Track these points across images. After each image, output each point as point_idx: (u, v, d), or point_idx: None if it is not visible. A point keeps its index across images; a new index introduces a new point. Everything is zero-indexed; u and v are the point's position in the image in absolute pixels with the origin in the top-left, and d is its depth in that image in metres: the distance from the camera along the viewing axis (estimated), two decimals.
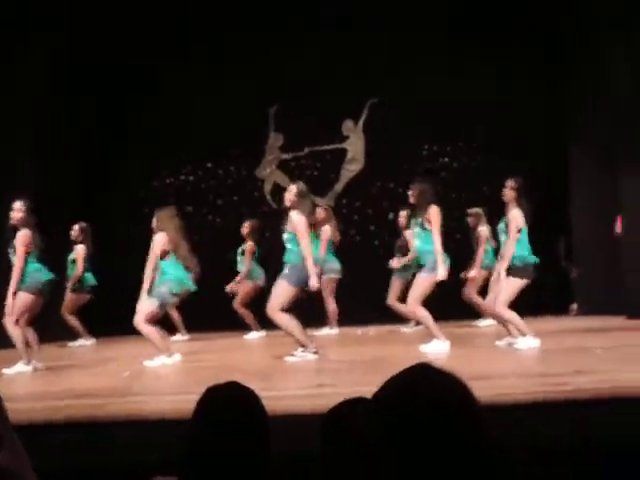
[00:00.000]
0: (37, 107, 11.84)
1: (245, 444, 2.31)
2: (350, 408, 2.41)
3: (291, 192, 8.23)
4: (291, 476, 3.10)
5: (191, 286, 8.72)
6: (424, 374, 1.61)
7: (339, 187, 13.99)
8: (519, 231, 8.16)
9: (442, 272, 8.20)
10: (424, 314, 8.32)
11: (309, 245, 7.99)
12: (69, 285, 11.56)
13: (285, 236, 8.18)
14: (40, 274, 8.24)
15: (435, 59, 12.93)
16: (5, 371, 8.00)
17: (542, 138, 12.96)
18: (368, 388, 5.63)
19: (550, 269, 11.46)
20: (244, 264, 11.68)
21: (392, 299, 11.12)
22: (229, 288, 11.73)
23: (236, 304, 11.65)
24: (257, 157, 14.10)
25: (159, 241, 8.42)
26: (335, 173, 14.02)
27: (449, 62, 12.93)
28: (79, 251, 11.52)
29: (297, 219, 8.02)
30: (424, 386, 1.57)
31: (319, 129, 13.68)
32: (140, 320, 8.19)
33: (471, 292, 11.18)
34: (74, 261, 11.57)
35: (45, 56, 11.88)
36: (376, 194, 13.70)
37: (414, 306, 8.37)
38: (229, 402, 2.37)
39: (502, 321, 8.40)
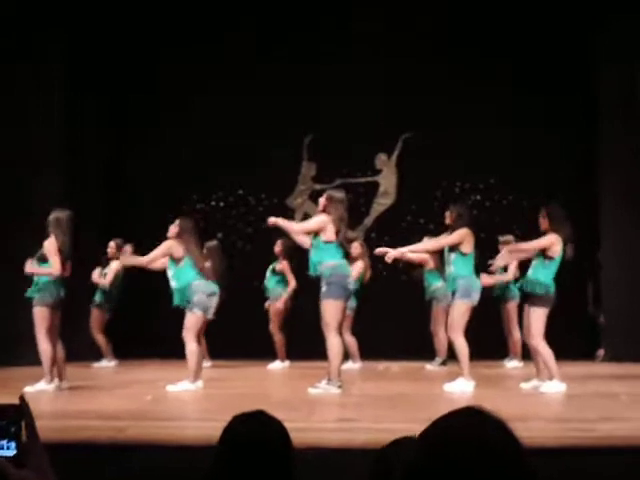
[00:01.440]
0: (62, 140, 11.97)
1: (270, 474, 2.30)
2: (398, 447, 2.40)
3: (324, 197, 8.19)
4: None
5: (216, 290, 8.74)
6: (475, 418, 1.56)
7: (369, 221, 13.99)
8: (552, 258, 8.04)
9: (476, 296, 8.17)
10: (463, 345, 8.22)
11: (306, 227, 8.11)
12: (95, 300, 11.56)
13: (313, 242, 8.11)
14: (59, 288, 8.24)
15: (470, 99, 12.96)
16: (27, 389, 8.02)
17: (573, 181, 12.92)
18: (390, 424, 5.65)
19: (578, 313, 11.40)
20: (290, 282, 11.53)
21: (436, 326, 11.10)
22: (267, 306, 11.61)
23: (273, 328, 11.56)
24: (289, 186, 14.13)
25: (166, 245, 8.48)
26: (366, 206, 14.02)
27: (483, 102, 12.96)
28: (112, 266, 11.56)
29: (314, 218, 8.03)
30: (474, 430, 1.52)
31: (352, 161, 13.72)
32: (188, 333, 8.18)
33: (511, 325, 11.10)
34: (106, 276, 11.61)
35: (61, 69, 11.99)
36: (406, 229, 13.67)
37: (456, 335, 8.27)
38: (256, 431, 2.35)
39: (535, 356, 8.24)
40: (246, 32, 13.32)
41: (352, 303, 11.25)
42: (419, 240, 12.79)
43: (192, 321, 8.24)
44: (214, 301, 8.54)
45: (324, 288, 7.92)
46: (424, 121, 13.21)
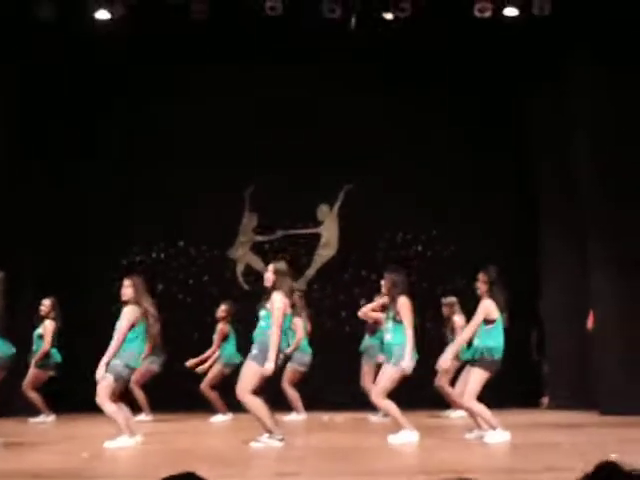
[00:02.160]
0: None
1: None
2: None
3: (270, 271, 8.12)
4: None
5: (137, 365, 8.52)
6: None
7: (311, 272, 13.93)
8: (492, 322, 8.08)
9: (408, 365, 8.10)
10: (390, 406, 8.19)
11: (279, 331, 7.85)
12: (35, 360, 11.30)
13: (262, 313, 7.99)
14: (2, 348, 8.07)
15: (408, 150, 13.09)
16: None
17: (514, 230, 13.07)
18: (332, 478, 5.52)
19: (521, 362, 11.43)
20: (214, 345, 11.45)
21: (365, 381, 10.99)
22: (189, 364, 11.43)
23: (203, 386, 11.41)
24: (230, 238, 14.03)
25: (131, 313, 8.19)
26: (308, 257, 13.98)
27: (423, 151, 13.10)
28: (47, 326, 11.30)
29: (276, 300, 7.89)
30: None
31: (294, 212, 13.70)
32: (102, 398, 7.96)
33: (443, 382, 11.04)
34: (41, 336, 11.35)
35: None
36: (348, 280, 13.65)
37: (379, 398, 8.25)
38: None
39: (471, 413, 8.26)
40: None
41: (306, 358, 11.18)
42: (361, 291, 12.91)
43: (103, 387, 8.00)
44: (126, 373, 8.23)
45: (255, 351, 7.83)
46: (366, 171, 13.26)
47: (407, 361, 8.09)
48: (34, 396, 11.37)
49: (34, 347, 11.39)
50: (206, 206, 13.23)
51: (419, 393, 10.53)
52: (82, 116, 13.38)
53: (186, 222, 13.46)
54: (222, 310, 11.57)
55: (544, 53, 12.11)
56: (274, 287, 8.01)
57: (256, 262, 13.57)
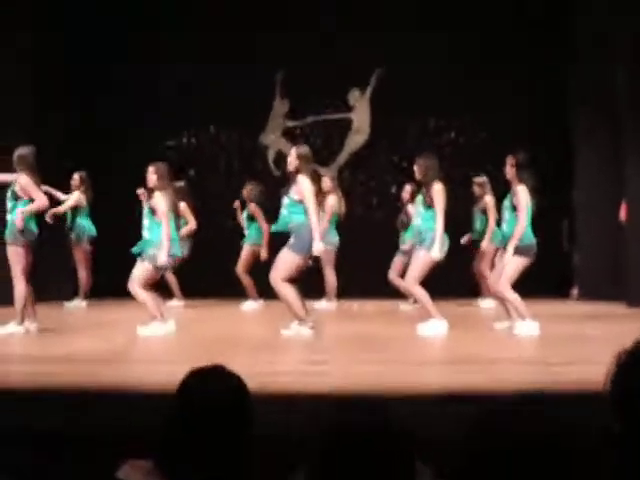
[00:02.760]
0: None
1: (226, 432, 2.22)
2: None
3: (293, 155, 8.04)
4: (277, 458, 3.01)
5: (180, 252, 8.60)
6: None
7: (342, 158, 13.84)
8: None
9: (437, 253, 8.04)
10: (421, 293, 8.17)
11: (316, 210, 7.80)
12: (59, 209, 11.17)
13: (286, 201, 7.91)
14: (32, 227, 8.10)
15: (442, 36, 12.76)
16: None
17: (549, 119, 12.83)
18: (360, 367, 5.58)
19: (552, 252, 11.37)
20: (260, 224, 11.38)
21: (393, 274, 11.01)
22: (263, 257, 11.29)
23: (239, 269, 11.46)
24: (261, 123, 13.92)
25: (165, 200, 8.19)
26: (339, 143, 13.86)
27: (457, 38, 12.77)
28: (74, 196, 11.31)
29: (305, 183, 7.81)
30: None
31: (325, 97, 13.51)
32: (135, 285, 8.06)
33: (483, 266, 11.04)
34: (73, 209, 11.41)
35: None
36: (380, 167, 13.56)
37: (411, 285, 8.23)
38: (212, 387, 2.26)
39: (503, 301, 8.23)
40: None
41: (334, 238, 11.17)
42: (393, 177, 12.83)
43: (141, 272, 8.07)
44: (169, 260, 8.29)
45: (292, 240, 7.81)
46: (398, 56, 12.99)
47: (437, 249, 8.05)
48: (83, 276, 11.51)
49: (68, 221, 11.47)
50: (237, 92, 13.06)
51: (446, 280, 10.55)
52: None
53: (217, 108, 13.32)
54: (247, 190, 11.55)
55: None
56: (298, 171, 7.92)
57: (287, 148, 13.44)
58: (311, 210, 7.73)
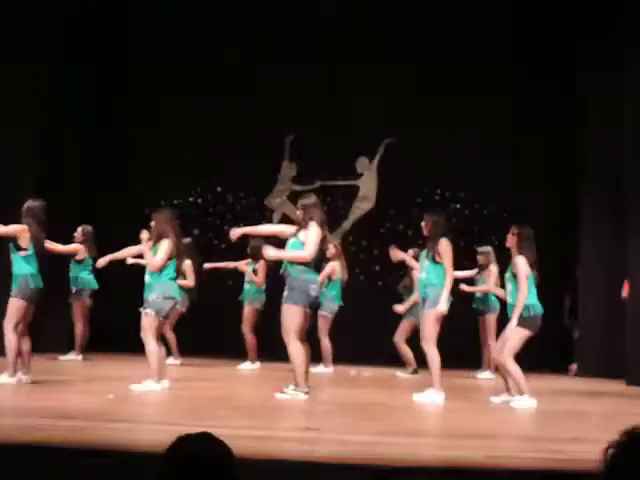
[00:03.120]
0: (37, 110, 11.67)
1: None
2: None
3: (299, 208, 7.97)
4: None
5: (178, 296, 8.54)
6: None
7: (348, 224, 13.86)
8: (526, 278, 7.91)
9: (443, 306, 7.99)
10: (435, 355, 8.06)
11: (309, 257, 7.73)
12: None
13: (290, 241, 7.88)
14: (36, 280, 8.08)
15: (450, 107, 12.86)
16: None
17: (555, 194, 12.86)
18: (353, 436, 5.49)
19: (553, 327, 11.30)
20: (256, 279, 11.38)
21: (398, 337, 10.95)
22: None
23: (245, 328, 11.38)
24: (268, 186, 13.96)
25: (165, 246, 8.14)
26: (345, 210, 13.89)
27: (466, 110, 12.87)
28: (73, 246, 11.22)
29: (313, 230, 7.76)
30: None
31: (333, 164, 13.58)
32: (147, 334, 7.96)
33: (487, 335, 11.03)
34: (77, 261, 11.35)
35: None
36: (384, 235, 13.55)
37: (428, 345, 8.11)
38: (198, 455, 2.24)
39: (503, 374, 8.12)
40: (220, 31, 13.16)
41: (333, 305, 11.14)
42: (397, 245, 12.82)
43: (147, 322, 8.04)
44: (168, 305, 8.24)
45: (286, 292, 7.76)
46: (408, 125, 13.08)
47: (444, 302, 7.99)
48: (80, 330, 11.42)
49: (71, 273, 11.40)
50: (245, 154, 13.14)
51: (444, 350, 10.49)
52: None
53: (224, 169, 13.39)
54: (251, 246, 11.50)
55: None
56: (305, 220, 7.86)
57: (293, 211, 13.42)
58: (308, 250, 7.65)
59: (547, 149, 13.01)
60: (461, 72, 12.93)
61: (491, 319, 11.06)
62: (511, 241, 8.03)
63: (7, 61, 11.11)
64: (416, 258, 9.94)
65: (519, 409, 7.58)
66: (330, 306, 11.15)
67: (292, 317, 7.68)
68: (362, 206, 13.89)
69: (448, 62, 12.92)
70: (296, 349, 7.68)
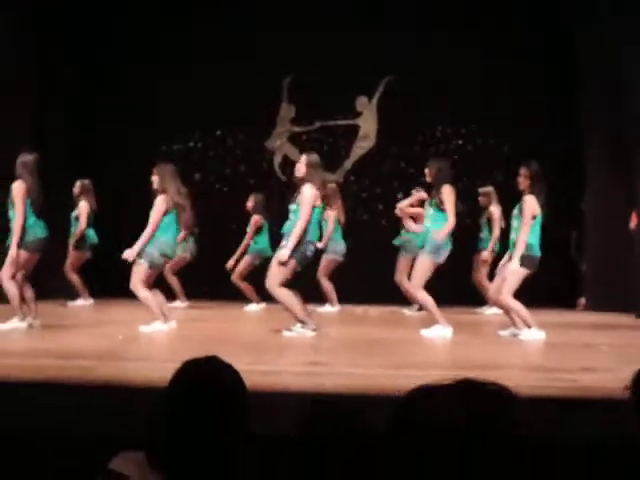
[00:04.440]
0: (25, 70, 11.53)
1: (219, 423, 2.13)
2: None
3: (302, 162, 8.01)
4: (273, 457, 2.93)
5: (173, 254, 8.55)
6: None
7: (349, 164, 13.76)
8: (533, 218, 7.88)
9: (443, 255, 8.02)
10: (426, 298, 8.10)
11: (305, 221, 7.76)
12: (71, 242, 11.40)
13: (292, 207, 7.98)
14: (35, 230, 8.04)
15: (450, 44, 12.67)
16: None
17: (558, 129, 12.71)
18: (363, 370, 5.48)
19: (560, 261, 11.28)
20: (247, 237, 11.41)
21: (399, 276, 10.93)
22: (229, 265, 11.47)
23: (234, 277, 11.42)
24: (268, 128, 13.84)
25: (161, 203, 8.16)
26: (346, 149, 13.78)
27: (466, 46, 12.68)
28: (82, 208, 11.35)
29: (306, 192, 7.80)
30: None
31: (332, 103, 13.42)
32: (135, 284, 8.00)
33: (481, 276, 11.00)
34: (77, 218, 11.40)
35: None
36: (386, 173, 13.48)
37: (416, 289, 8.16)
38: (205, 377, 2.20)
39: (506, 310, 8.15)
40: None
41: (340, 247, 11.13)
42: (400, 184, 12.74)
43: (137, 271, 8.02)
44: (161, 261, 8.25)
45: (283, 242, 7.78)
46: (407, 64, 12.89)
47: (439, 251, 7.98)
48: (75, 279, 11.48)
49: (71, 229, 11.45)
50: (244, 95, 12.99)
51: (453, 288, 10.47)
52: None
53: (224, 111, 13.25)
54: (250, 201, 11.51)
55: None
56: (304, 179, 7.90)
57: (293, 153, 13.34)
58: (302, 218, 7.70)
59: (547, 81, 12.81)
60: (460, 6, 12.71)
61: (487, 257, 10.99)
62: (523, 183, 7.98)
63: None
64: (422, 201, 9.87)
65: (528, 341, 7.58)
66: (337, 248, 11.14)
67: (282, 269, 7.72)
68: (363, 145, 13.78)
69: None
70: (281, 293, 7.77)
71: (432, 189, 8.37)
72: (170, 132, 13.60)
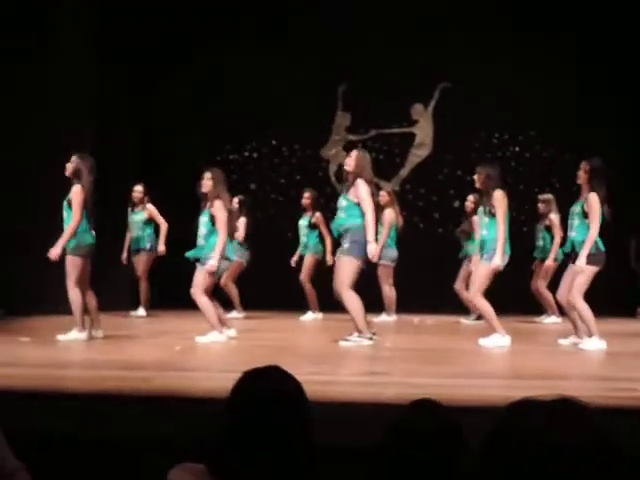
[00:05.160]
0: (86, 76, 11.67)
1: (281, 433, 2.12)
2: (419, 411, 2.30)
3: (353, 157, 7.97)
4: (335, 467, 2.91)
5: (233, 255, 8.63)
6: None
7: (405, 172, 13.71)
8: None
9: (498, 261, 7.87)
10: (485, 306, 8.01)
11: (374, 214, 7.73)
12: (146, 246, 11.35)
13: (342, 203, 7.89)
14: (86, 236, 8.09)
15: (508, 50, 12.55)
16: (60, 337, 7.92)
17: (618, 134, 12.51)
18: (421, 379, 5.44)
19: (619, 269, 11.08)
20: (324, 233, 11.25)
21: (459, 284, 10.86)
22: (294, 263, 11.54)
23: (303, 277, 11.39)
24: (323, 136, 13.86)
25: (223, 208, 8.14)
26: (402, 157, 13.74)
27: (523, 53, 12.54)
28: (151, 209, 11.31)
29: (363, 186, 7.75)
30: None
31: (388, 111, 13.39)
32: (197, 291, 8.02)
33: (541, 284, 10.88)
34: (146, 222, 11.37)
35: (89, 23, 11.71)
36: (442, 181, 13.41)
37: (475, 297, 8.08)
38: (267, 388, 2.17)
39: (570, 317, 7.98)
40: None
41: (393, 253, 11.07)
42: (456, 192, 12.64)
43: (200, 278, 8.04)
44: (224, 265, 8.33)
45: (347, 245, 7.73)
46: (463, 70, 12.82)
47: (498, 257, 7.87)
48: (145, 287, 11.50)
49: (137, 234, 11.37)
50: (299, 105, 13.03)
51: (511, 297, 10.35)
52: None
53: (279, 121, 13.30)
54: (306, 197, 11.50)
55: None
56: (356, 173, 7.83)
57: None
58: (369, 215, 7.65)
59: (612, 83, 12.59)
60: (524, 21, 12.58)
61: (550, 265, 10.84)
62: (582, 177, 7.86)
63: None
64: (477, 203, 9.78)
65: (588, 350, 7.46)
66: (390, 254, 11.08)
67: (351, 269, 7.69)
68: (419, 153, 13.72)
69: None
70: (351, 297, 7.70)
71: (483, 196, 8.28)
72: (224, 141, 13.68)
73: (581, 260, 7.60)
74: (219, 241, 8.01)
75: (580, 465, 1.29)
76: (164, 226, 11.32)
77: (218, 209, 8.12)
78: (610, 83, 12.52)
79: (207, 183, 8.27)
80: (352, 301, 7.70)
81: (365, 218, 7.71)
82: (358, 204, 7.79)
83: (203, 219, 8.27)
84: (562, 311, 9.05)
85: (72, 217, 7.96)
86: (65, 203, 8.09)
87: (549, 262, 10.68)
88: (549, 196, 11.22)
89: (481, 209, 8.32)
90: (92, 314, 8.21)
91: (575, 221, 7.89)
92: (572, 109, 12.55)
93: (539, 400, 1.39)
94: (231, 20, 13.02)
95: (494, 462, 1.34)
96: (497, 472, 1.32)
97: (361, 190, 7.75)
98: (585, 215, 7.74)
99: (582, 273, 7.61)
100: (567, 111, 12.56)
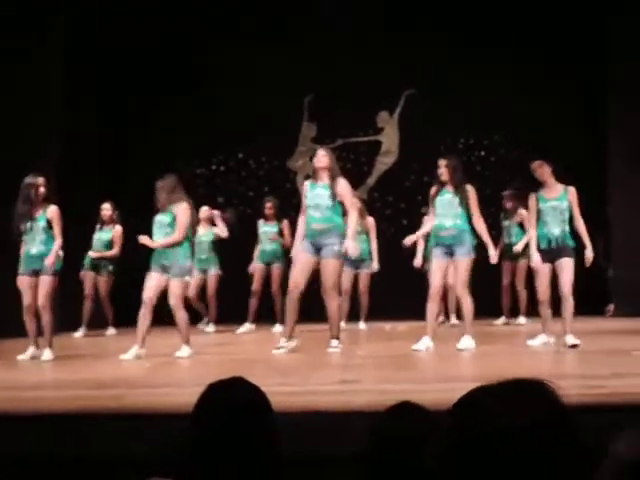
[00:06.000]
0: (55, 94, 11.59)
1: (247, 444, 2.11)
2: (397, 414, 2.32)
3: (324, 154, 7.87)
4: (304, 477, 2.91)
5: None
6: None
7: (372, 180, 13.75)
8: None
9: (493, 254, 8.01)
10: (470, 305, 7.98)
11: (356, 214, 7.72)
12: (108, 268, 11.24)
13: (326, 202, 7.69)
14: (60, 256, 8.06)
15: (471, 54, 12.63)
16: (20, 357, 7.86)
17: (580, 134, 12.63)
18: (392, 385, 5.43)
19: (588, 268, 11.15)
20: (286, 241, 11.23)
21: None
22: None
23: (275, 290, 11.34)
24: (290, 148, 13.86)
25: (186, 210, 7.97)
26: (369, 166, 13.77)
27: (485, 54, 12.64)
28: (118, 230, 11.17)
29: (345, 183, 7.71)
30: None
31: (353, 120, 13.43)
32: (178, 303, 7.85)
33: (519, 282, 10.96)
34: (111, 242, 11.22)
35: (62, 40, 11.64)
36: (410, 188, 13.44)
37: (463, 293, 8.01)
38: (231, 399, 2.17)
39: (542, 315, 8.05)
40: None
41: (369, 262, 11.04)
42: (424, 198, 12.67)
43: (175, 288, 7.92)
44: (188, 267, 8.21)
45: (336, 247, 7.64)
46: (426, 77, 12.90)
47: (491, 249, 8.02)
48: (108, 306, 11.38)
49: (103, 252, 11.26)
50: (264, 117, 13.02)
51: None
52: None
53: (245, 134, 13.29)
54: (268, 207, 11.43)
55: None
56: (332, 169, 7.75)
57: None
58: (352, 213, 7.62)
59: (578, 86, 12.71)
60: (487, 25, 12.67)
61: (522, 265, 10.90)
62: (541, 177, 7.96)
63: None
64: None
65: (558, 349, 7.51)
66: (370, 263, 11.10)
67: (340, 272, 7.66)
68: (385, 160, 13.77)
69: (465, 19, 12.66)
70: (338, 300, 7.68)
71: (452, 188, 8.20)
72: (191, 156, 13.64)
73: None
74: (174, 237, 7.86)
75: (532, 444, 1.28)
76: (116, 252, 11.16)
77: (183, 209, 7.97)
78: (577, 86, 12.67)
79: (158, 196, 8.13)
80: (338, 305, 7.70)
81: (350, 215, 7.66)
82: (341, 202, 7.73)
83: (157, 224, 8.12)
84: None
85: (56, 237, 7.92)
86: (44, 223, 7.99)
87: (521, 263, 10.76)
88: (512, 191, 11.23)
89: (446, 197, 8.22)
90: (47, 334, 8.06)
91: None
92: (537, 112, 12.64)
93: (489, 385, 1.39)
94: (196, 31, 13.02)
95: (450, 457, 1.33)
96: (454, 466, 1.32)
97: (344, 186, 7.70)
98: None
99: (570, 266, 7.66)
100: (531, 114, 12.66)
